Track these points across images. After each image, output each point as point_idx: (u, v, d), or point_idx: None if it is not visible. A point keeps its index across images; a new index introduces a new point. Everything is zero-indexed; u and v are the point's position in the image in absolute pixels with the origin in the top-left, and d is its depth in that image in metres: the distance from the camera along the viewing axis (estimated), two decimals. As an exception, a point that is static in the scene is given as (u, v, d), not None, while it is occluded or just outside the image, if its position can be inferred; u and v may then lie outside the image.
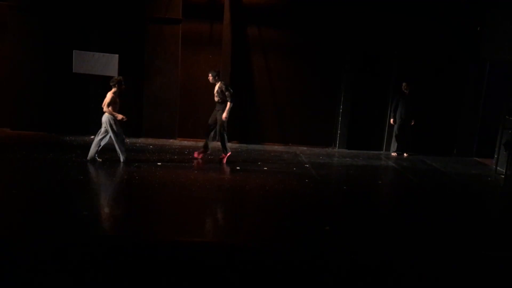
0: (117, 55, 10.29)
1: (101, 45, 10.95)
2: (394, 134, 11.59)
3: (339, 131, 11.87)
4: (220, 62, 11.47)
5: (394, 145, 11.67)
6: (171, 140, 11.46)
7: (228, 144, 9.49)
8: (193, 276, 4.77)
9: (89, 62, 9.75)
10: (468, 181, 9.48)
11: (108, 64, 10.15)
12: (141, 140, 11.18)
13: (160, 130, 11.55)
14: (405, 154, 11.49)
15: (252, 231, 6.09)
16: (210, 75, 9.13)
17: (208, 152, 9.62)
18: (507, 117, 9.92)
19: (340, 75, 11.72)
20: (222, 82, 9.21)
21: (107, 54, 10.25)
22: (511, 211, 8.05)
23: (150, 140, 11.25)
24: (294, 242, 5.70)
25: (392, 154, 11.57)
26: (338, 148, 11.90)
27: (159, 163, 8.95)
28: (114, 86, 8.58)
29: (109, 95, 8.55)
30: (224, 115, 9.02)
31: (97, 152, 8.69)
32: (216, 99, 9.17)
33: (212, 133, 9.38)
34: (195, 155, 9.61)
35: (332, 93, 11.84)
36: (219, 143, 9.50)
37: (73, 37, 10.90)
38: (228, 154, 9.41)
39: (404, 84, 11.20)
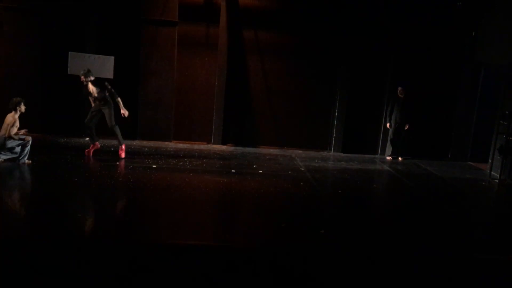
0: (112, 57, 10.28)
1: (97, 46, 10.93)
2: (389, 138, 11.62)
3: (334, 135, 11.89)
4: (216, 65, 11.48)
5: (389, 149, 11.70)
6: (166, 143, 11.43)
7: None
8: (189, 279, 4.75)
9: (85, 63, 9.71)
10: (462, 186, 9.51)
11: (103, 65, 10.13)
12: (136, 143, 11.15)
13: (155, 132, 11.52)
14: (399, 158, 11.52)
15: (246, 234, 6.08)
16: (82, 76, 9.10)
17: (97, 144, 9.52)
18: (501, 121, 9.96)
19: (336, 78, 11.75)
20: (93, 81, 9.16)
21: (103, 56, 10.23)
22: (504, 215, 8.08)
23: (145, 143, 11.22)
24: (289, 245, 5.69)
25: (387, 158, 11.60)
26: (333, 151, 11.92)
27: (154, 166, 8.93)
28: (13, 109, 8.25)
29: (10, 119, 8.21)
30: (124, 112, 9.20)
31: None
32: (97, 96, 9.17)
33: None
34: (88, 153, 9.40)
35: (328, 96, 11.86)
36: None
37: (69, 39, 10.87)
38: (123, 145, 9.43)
39: (399, 88, 11.24)
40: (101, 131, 9.76)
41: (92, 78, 9.14)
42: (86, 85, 9.19)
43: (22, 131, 8.38)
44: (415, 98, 11.38)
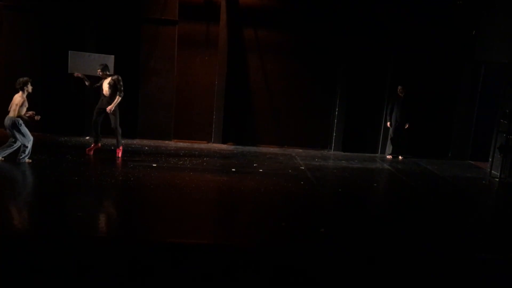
0: (112, 56, 10.26)
1: (97, 45, 10.94)
2: (389, 137, 11.62)
3: (334, 134, 11.89)
4: (216, 64, 11.48)
5: (389, 148, 11.70)
6: (167, 142, 11.45)
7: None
8: (189, 279, 4.76)
9: (85, 62, 9.70)
10: (462, 184, 9.51)
11: (103, 64, 10.13)
12: (136, 141, 11.16)
13: (155, 131, 11.53)
14: (400, 157, 11.52)
15: (247, 233, 6.08)
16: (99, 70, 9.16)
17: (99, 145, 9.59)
18: (501, 120, 9.96)
19: (336, 77, 11.75)
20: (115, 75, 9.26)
21: (103, 54, 10.21)
22: (504, 214, 8.08)
23: (146, 141, 11.23)
24: (290, 244, 5.69)
25: (387, 157, 11.60)
26: (334, 150, 11.92)
27: (155, 164, 8.93)
28: (21, 89, 8.24)
29: (19, 99, 8.19)
30: (110, 107, 9.08)
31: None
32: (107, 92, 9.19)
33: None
34: (89, 152, 9.44)
35: (328, 95, 11.87)
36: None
37: (69, 37, 10.88)
38: (121, 148, 9.45)
39: (399, 87, 11.23)
40: (102, 130, 9.75)
41: (109, 73, 9.19)
42: (102, 81, 9.21)
43: (30, 112, 8.34)
44: (415, 97, 11.38)
